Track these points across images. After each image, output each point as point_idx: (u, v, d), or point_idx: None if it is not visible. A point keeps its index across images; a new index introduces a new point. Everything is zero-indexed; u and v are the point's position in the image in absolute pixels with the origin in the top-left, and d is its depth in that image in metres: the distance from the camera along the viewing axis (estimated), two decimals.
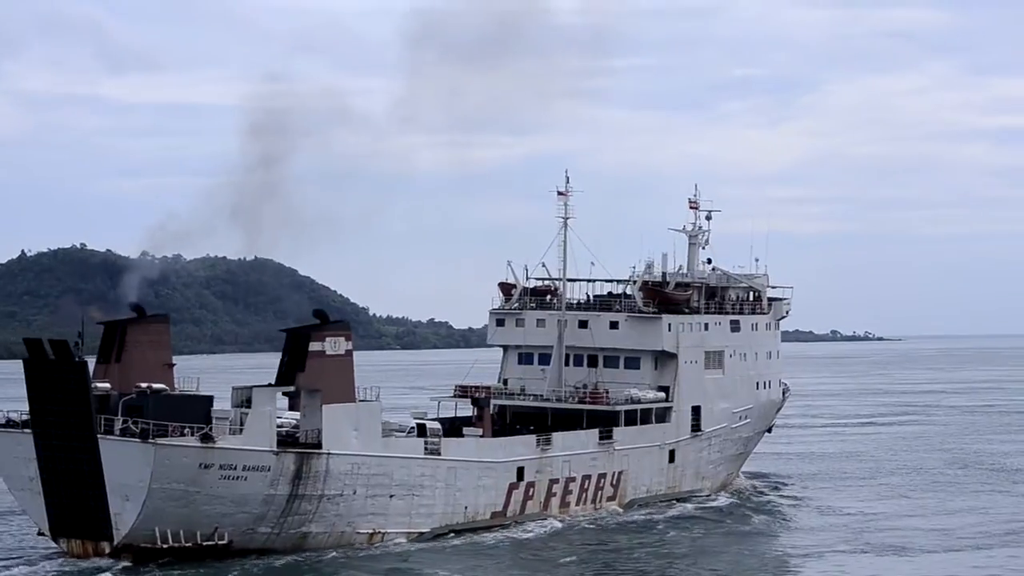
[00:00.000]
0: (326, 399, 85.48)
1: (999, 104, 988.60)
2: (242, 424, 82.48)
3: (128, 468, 79.29)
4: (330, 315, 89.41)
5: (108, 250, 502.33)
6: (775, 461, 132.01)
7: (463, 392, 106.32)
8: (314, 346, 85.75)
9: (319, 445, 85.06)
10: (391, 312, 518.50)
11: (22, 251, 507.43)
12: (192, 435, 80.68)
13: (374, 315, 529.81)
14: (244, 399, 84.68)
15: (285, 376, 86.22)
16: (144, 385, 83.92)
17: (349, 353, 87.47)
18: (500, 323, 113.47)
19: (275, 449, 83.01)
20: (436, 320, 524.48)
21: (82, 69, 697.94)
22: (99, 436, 79.59)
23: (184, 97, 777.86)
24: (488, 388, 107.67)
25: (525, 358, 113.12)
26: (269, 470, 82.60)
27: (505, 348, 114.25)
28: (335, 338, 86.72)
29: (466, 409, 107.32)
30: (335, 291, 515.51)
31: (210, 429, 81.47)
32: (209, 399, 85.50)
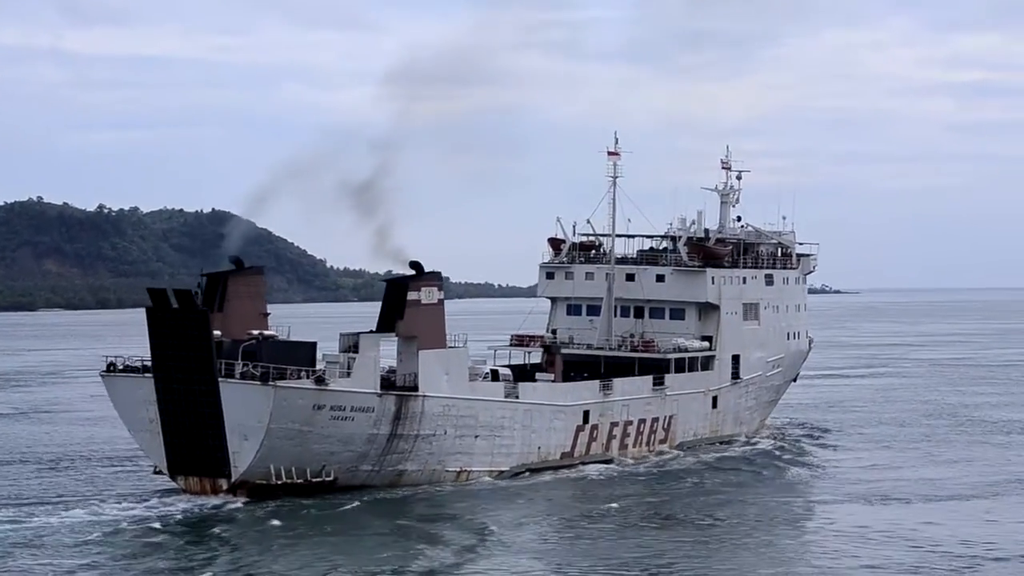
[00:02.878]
0: (422, 345, 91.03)
1: (960, 60, 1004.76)
2: (350, 368, 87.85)
3: (248, 409, 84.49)
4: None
5: (65, 203, 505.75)
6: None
7: (519, 341, 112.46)
8: (411, 295, 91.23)
9: (415, 388, 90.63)
10: (348, 264, 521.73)
11: None
12: (307, 378, 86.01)
13: (331, 267, 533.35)
14: (351, 344, 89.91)
15: (385, 323, 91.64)
16: (256, 332, 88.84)
17: (441, 302, 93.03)
18: (550, 276, 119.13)
19: (379, 391, 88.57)
20: (394, 273, 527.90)
21: (44, 22, 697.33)
22: (220, 379, 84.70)
23: (145, 50, 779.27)
24: (542, 337, 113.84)
25: (574, 309, 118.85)
26: (373, 411, 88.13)
27: (554, 300, 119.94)
28: (430, 288, 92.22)
29: (518, 357, 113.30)
30: (293, 243, 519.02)
31: (323, 372, 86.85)
32: (313, 345, 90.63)
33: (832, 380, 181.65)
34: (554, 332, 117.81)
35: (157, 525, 78.82)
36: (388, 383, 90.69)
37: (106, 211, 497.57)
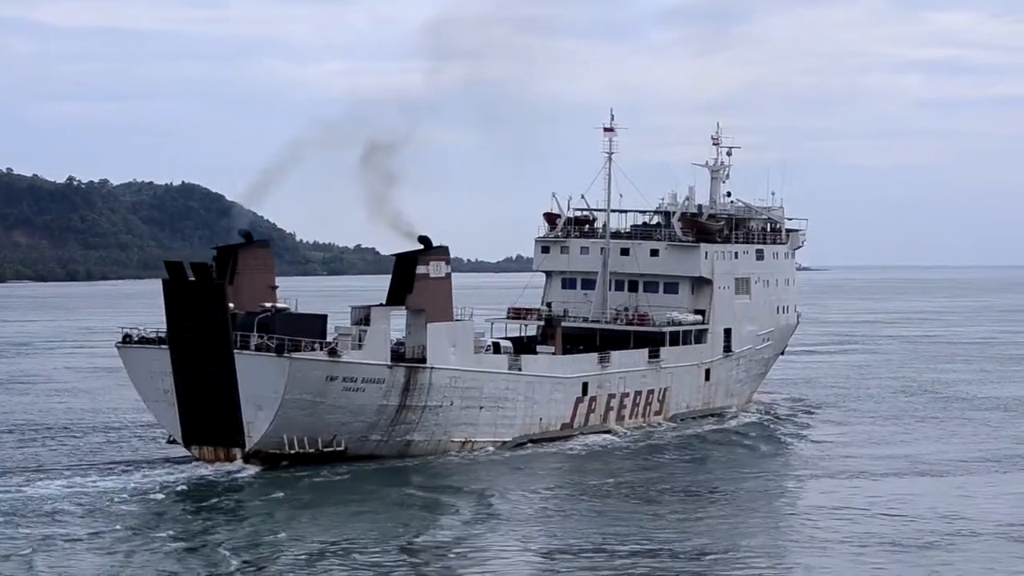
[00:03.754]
0: (430, 318, 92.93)
1: (932, 38, 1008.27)
2: (361, 340, 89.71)
3: (263, 380, 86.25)
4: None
5: (35, 175, 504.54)
6: None
7: (516, 314, 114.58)
8: (420, 269, 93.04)
9: (423, 360, 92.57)
10: (317, 238, 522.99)
11: None
12: (320, 350, 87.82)
13: (301, 240, 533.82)
14: (362, 317, 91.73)
15: (395, 297, 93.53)
16: (270, 304, 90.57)
17: (448, 276, 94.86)
18: (545, 250, 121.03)
19: (389, 363, 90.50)
20: (363, 246, 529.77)
21: None
22: (235, 351, 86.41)
23: (115, 22, 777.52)
24: (538, 310, 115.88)
25: (568, 283, 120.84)
26: (383, 382, 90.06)
27: (549, 273, 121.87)
28: (437, 262, 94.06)
29: (515, 330, 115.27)
30: (262, 216, 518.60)
31: (335, 344, 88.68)
32: (324, 317, 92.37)
33: (807, 357, 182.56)
34: (549, 305, 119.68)
35: (159, 496, 79.95)
36: (397, 355, 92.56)
37: (76, 183, 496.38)
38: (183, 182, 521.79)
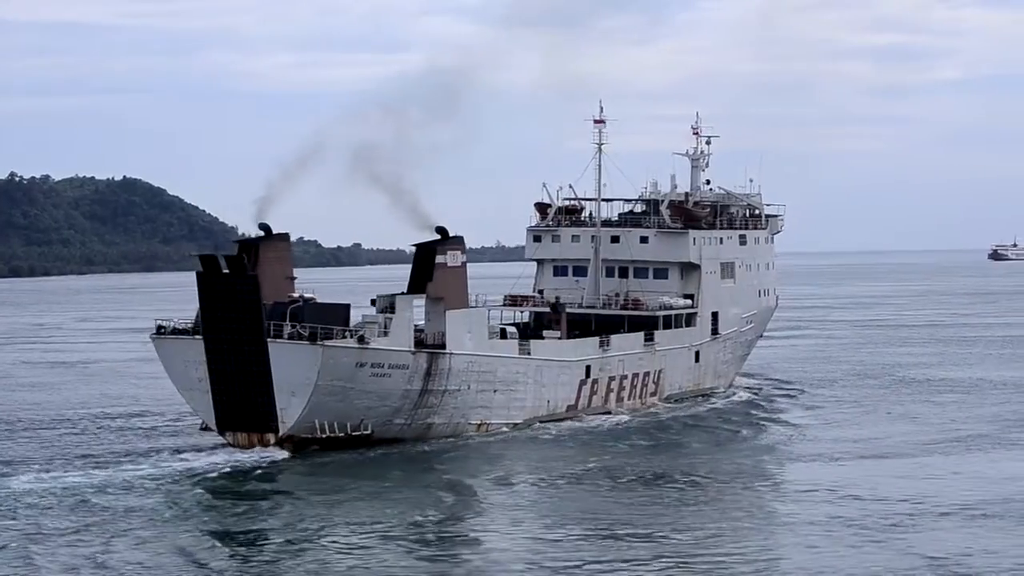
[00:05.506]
0: (448, 305, 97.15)
1: (879, 23, 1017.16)
2: (387, 328, 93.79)
3: (296, 368, 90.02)
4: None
5: None
6: None
7: (513, 301, 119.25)
8: (439, 259, 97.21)
9: (443, 346, 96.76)
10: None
11: None
12: (349, 338, 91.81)
13: (243, 234, 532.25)
14: (387, 305, 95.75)
15: (415, 285, 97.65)
16: (298, 295, 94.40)
17: (464, 265, 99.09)
18: (537, 239, 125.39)
19: (413, 349, 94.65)
20: (305, 239, 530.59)
21: None
22: (268, 340, 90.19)
23: (59, 16, 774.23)
24: (533, 297, 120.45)
25: (560, 270, 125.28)
26: (407, 368, 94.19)
27: (540, 262, 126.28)
28: (454, 251, 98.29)
29: (508, 317, 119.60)
30: (204, 210, 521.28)
31: (364, 332, 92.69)
32: (347, 306, 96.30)
33: (772, 340, 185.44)
34: (541, 292, 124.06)
35: (192, 481, 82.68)
36: (418, 342, 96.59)
37: (17, 179, 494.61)
38: (124, 177, 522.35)
